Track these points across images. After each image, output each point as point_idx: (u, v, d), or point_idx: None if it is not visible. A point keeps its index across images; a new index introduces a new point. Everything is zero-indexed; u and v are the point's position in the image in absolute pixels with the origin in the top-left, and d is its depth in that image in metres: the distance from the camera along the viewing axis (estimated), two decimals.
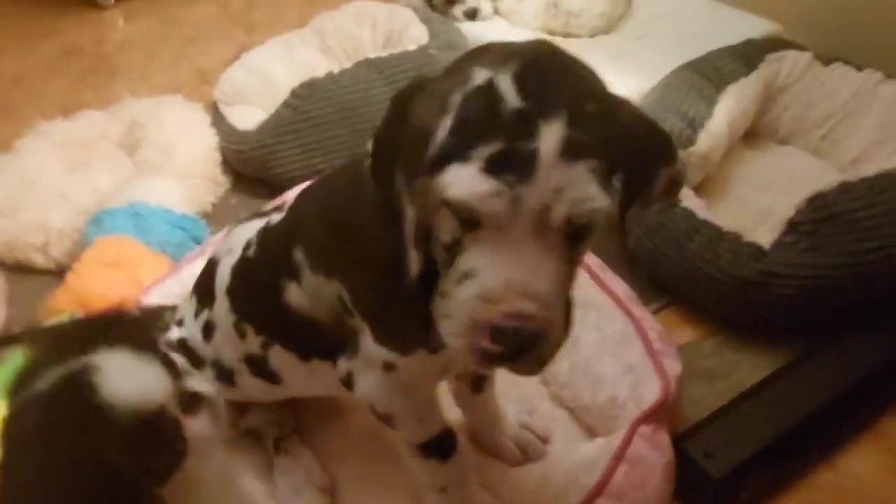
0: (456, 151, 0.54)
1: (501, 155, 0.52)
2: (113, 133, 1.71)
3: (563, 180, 0.52)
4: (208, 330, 0.92)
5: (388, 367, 0.75)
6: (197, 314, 0.94)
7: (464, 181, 0.53)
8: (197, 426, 0.67)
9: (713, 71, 1.40)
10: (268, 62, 1.78)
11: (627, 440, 0.88)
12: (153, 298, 1.17)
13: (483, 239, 0.55)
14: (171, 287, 1.18)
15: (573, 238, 0.56)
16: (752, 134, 1.51)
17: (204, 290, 0.93)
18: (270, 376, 0.88)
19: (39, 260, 1.42)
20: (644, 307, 1.07)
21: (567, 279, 0.58)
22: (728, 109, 1.36)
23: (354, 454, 1.00)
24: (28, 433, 0.59)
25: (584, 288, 1.09)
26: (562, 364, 1.05)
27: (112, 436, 0.59)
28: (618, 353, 1.00)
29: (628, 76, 1.53)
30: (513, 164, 0.52)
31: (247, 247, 0.87)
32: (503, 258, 0.54)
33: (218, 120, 1.67)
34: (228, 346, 0.90)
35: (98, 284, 1.22)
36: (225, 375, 0.92)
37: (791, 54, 1.47)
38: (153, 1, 2.54)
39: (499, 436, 0.97)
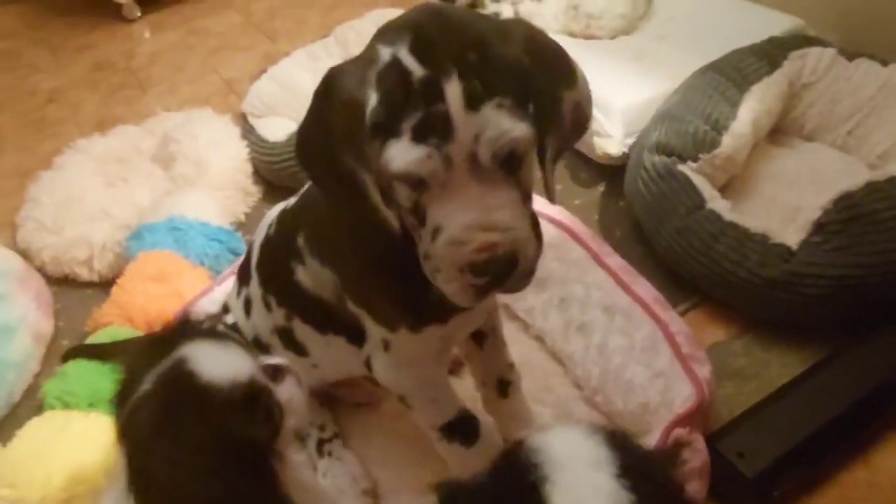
0: (388, 124, 0.62)
1: (423, 122, 0.60)
2: (147, 147, 1.77)
3: (478, 126, 0.60)
4: (248, 306, 1.00)
5: (387, 345, 0.82)
6: (238, 294, 1.02)
7: (401, 154, 0.61)
8: (285, 392, 0.76)
9: (735, 71, 1.39)
10: (294, 73, 1.81)
11: (662, 442, 0.90)
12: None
13: (435, 196, 0.63)
14: (206, 306, 1.22)
15: (509, 166, 0.63)
16: (778, 130, 1.50)
17: (244, 270, 1.01)
18: (298, 348, 0.95)
19: (84, 273, 1.48)
20: (671, 310, 1.08)
21: (521, 200, 0.66)
22: (751, 110, 1.35)
23: (395, 459, 1.04)
24: (148, 429, 0.65)
25: (609, 293, 1.11)
26: (592, 370, 1.07)
27: (222, 411, 0.66)
28: (646, 359, 1.02)
29: (650, 77, 1.53)
30: (434, 128, 0.60)
31: (270, 225, 0.94)
32: (456, 206, 0.62)
33: (248, 132, 1.71)
34: (261, 320, 0.97)
35: (142, 297, 1.27)
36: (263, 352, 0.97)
37: (815, 51, 1.45)
38: (178, 12, 2.60)
39: None
